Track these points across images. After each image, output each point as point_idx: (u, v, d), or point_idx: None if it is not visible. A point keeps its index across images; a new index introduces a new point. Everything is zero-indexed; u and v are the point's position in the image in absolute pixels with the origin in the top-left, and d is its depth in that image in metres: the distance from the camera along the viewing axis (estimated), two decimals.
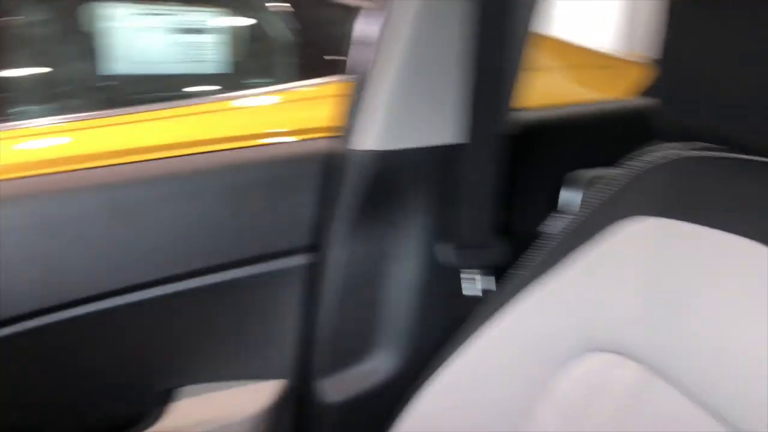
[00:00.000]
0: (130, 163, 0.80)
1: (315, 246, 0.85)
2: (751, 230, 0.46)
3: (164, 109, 1.04)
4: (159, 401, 0.83)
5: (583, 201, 0.69)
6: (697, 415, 0.45)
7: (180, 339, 0.81)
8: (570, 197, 0.93)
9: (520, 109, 0.87)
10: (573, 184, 0.93)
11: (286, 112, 1.14)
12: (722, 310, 0.45)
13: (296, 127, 1.02)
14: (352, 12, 1.09)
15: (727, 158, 0.52)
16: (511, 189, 0.89)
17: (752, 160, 0.50)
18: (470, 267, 0.89)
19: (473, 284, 0.89)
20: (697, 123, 0.51)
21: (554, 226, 0.68)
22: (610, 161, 0.68)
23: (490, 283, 0.89)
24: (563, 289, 0.58)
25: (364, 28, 0.83)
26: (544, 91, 1.06)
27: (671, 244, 0.51)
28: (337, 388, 0.87)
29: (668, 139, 0.57)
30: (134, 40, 1.11)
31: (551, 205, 0.94)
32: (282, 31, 1.49)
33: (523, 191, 0.94)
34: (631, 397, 0.50)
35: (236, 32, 1.28)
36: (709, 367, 0.45)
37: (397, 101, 0.80)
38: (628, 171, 0.59)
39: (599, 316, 0.54)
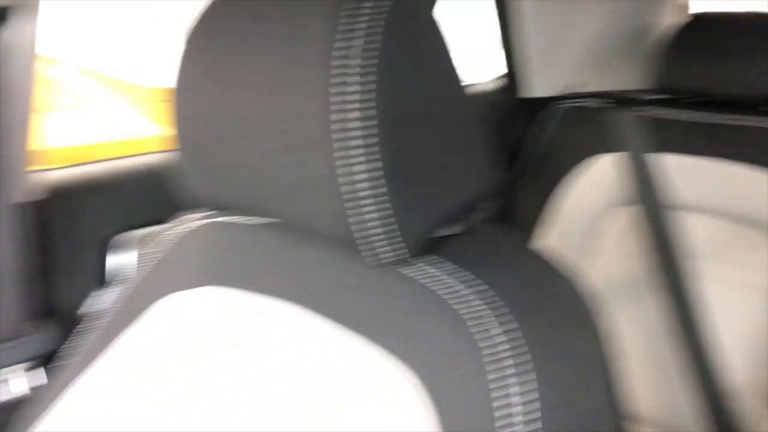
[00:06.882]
0: None
1: None
2: (281, 291, 0.47)
3: None
4: None
5: (138, 266, 0.62)
6: None
7: None
8: (119, 262, 0.83)
9: (42, 170, 0.77)
10: (121, 247, 0.84)
11: None
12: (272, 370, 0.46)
13: None
14: None
15: (246, 224, 0.53)
16: (49, 263, 0.76)
17: (263, 225, 0.52)
18: (11, 363, 0.72)
19: (6, 388, 0.72)
20: (207, 190, 0.51)
21: (99, 303, 0.63)
22: (158, 219, 0.65)
23: (39, 377, 0.74)
24: (116, 375, 0.53)
25: None
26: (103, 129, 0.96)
27: (216, 311, 0.51)
28: None
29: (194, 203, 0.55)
30: None
31: (101, 273, 0.82)
32: None
33: (66, 263, 0.80)
34: None
35: None
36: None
37: None
38: (167, 237, 0.59)
39: (155, 398, 0.50)
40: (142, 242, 0.82)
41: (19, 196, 0.69)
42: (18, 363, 0.71)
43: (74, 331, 0.60)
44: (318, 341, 0.44)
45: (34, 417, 0.55)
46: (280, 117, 0.41)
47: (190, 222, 0.58)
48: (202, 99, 0.47)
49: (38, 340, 0.72)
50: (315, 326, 0.45)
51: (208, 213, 0.58)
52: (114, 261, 0.82)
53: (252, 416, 0.45)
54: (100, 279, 0.81)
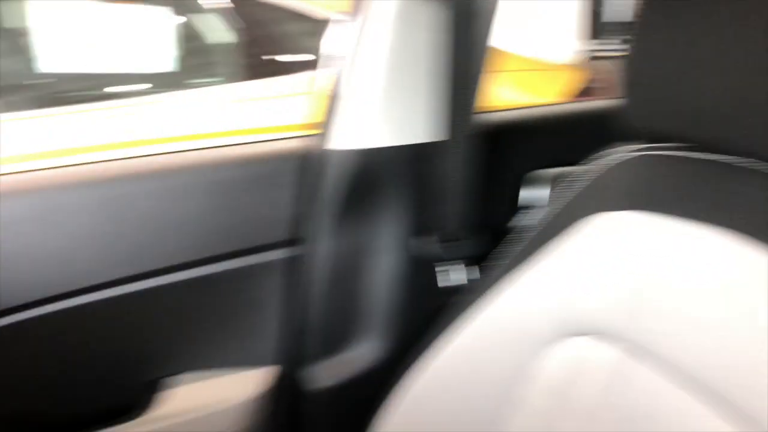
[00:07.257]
0: (118, 159, 0.86)
1: (294, 240, 0.90)
2: (716, 219, 0.49)
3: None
4: (150, 390, 0.86)
5: (551, 197, 0.70)
6: (677, 393, 0.47)
7: (169, 330, 0.86)
8: (530, 195, 0.97)
9: (485, 111, 0.91)
10: (534, 182, 0.97)
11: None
12: (698, 291, 0.48)
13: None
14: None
15: (686, 157, 0.55)
16: (482, 186, 0.91)
17: (710, 160, 0.53)
18: (453, 258, 0.90)
19: (447, 276, 0.91)
20: (659, 124, 0.54)
21: (526, 220, 0.74)
22: (570, 161, 0.72)
23: (474, 273, 0.91)
24: (541, 279, 0.60)
25: (338, 34, 0.89)
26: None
27: (641, 234, 0.54)
28: (326, 373, 0.91)
29: (630, 139, 0.60)
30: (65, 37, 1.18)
31: (514, 202, 0.97)
32: (225, 31, 1.66)
33: (492, 188, 0.95)
34: (612, 377, 0.52)
35: (177, 30, 1.36)
36: (692, 342, 0.47)
37: (375, 103, 0.85)
38: (594, 168, 0.63)
39: (577, 302, 0.56)
40: (554, 180, 0.96)
41: (469, 131, 0.87)
42: (458, 259, 0.91)
43: (503, 240, 0.72)
44: (751, 268, 0.46)
45: (469, 302, 0.67)
46: (741, 51, 0.46)
47: (622, 153, 0.63)
48: (660, 38, 0.52)
49: (474, 243, 0.91)
50: (745, 253, 0.47)
51: (639, 146, 0.62)
52: (526, 193, 0.99)
53: (658, 339, 0.49)
54: (515, 205, 0.98)
